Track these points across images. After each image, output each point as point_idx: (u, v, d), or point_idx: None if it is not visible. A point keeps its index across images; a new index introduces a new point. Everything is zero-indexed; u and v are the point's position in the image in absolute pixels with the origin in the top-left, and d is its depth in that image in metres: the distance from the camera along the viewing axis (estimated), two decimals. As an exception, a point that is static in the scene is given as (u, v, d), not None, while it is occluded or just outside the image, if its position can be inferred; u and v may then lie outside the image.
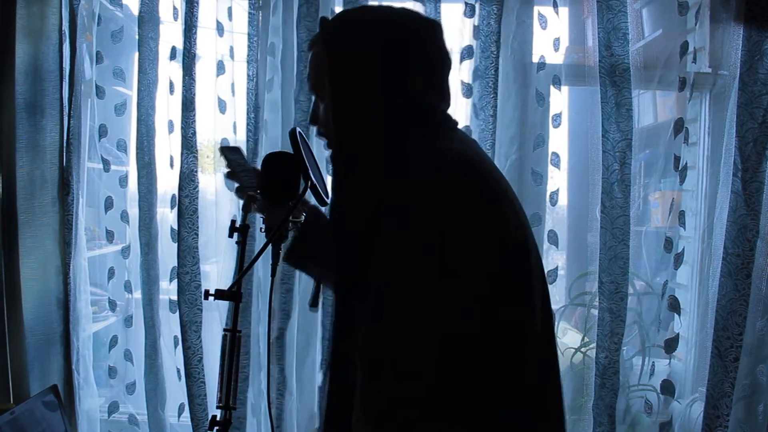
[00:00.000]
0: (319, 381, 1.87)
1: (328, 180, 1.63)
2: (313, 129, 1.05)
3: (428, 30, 0.95)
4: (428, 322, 0.77)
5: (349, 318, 0.89)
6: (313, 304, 1.13)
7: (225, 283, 1.86)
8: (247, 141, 1.85)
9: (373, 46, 0.91)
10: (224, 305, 1.84)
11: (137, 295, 1.97)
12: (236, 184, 1.18)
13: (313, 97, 1.04)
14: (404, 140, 0.91)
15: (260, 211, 1.19)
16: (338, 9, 1.80)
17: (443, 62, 0.97)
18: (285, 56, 1.85)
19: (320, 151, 1.73)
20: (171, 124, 1.90)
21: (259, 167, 1.16)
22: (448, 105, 0.99)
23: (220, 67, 1.88)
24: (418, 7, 1.75)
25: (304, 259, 1.20)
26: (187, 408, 1.87)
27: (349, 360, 0.84)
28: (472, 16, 1.77)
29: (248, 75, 1.84)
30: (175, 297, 1.87)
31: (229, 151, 1.16)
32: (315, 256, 1.19)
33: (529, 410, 0.84)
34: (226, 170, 1.17)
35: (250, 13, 1.84)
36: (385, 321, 0.79)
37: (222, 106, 1.88)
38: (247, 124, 1.85)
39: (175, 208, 1.85)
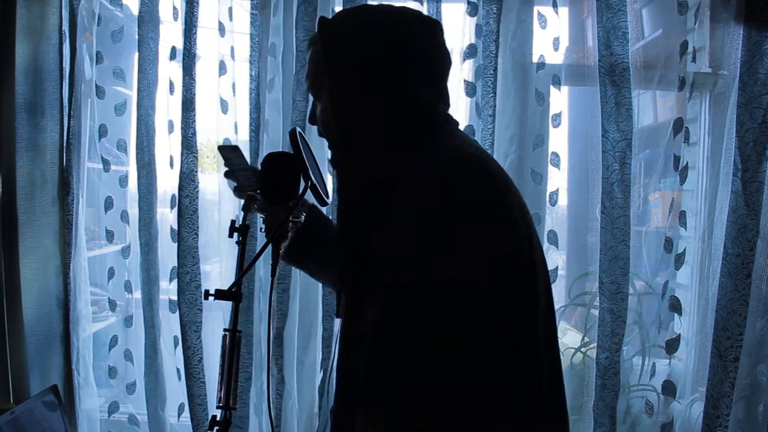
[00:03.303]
0: (319, 382, 1.87)
1: (329, 180, 1.64)
2: (313, 129, 1.05)
3: (428, 29, 0.95)
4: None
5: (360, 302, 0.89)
6: (338, 314, 1.11)
7: (226, 284, 1.86)
8: (250, 141, 1.85)
9: (372, 45, 0.90)
10: (217, 306, 1.84)
11: (137, 295, 1.97)
12: (234, 184, 1.18)
13: (311, 97, 1.04)
14: (405, 140, 0.90)
15: (260, 211, 1.19)
16: (338, 8, 1.79)
17: (443, 63, 0.96)
18: (285, 56, 1.86)
19: (322, 151, 1.73)
20: (171, 124, 1.90)
21: (258, 167, 1.16)
22: (447, 106, 0.98)
23: (222, 67, 1.88)
24: (419, 7, 1.75)
25: (304, 256, 1.20)
26: (187, 408, 1.87)
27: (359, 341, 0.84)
28: (474, 14, 1.77)
29: (250, 75, 1.84)
30: (175, 297, 1.87)
31: (227, 150, 1.16)
32: (315, 254, 1.19)
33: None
34: (225, 169, 1.16)
35: (252, 13, 1.84)
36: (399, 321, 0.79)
37: (224, 106, 1.88)
38: (250, 124, 1.85)
39: (175, 208, 1.85)
